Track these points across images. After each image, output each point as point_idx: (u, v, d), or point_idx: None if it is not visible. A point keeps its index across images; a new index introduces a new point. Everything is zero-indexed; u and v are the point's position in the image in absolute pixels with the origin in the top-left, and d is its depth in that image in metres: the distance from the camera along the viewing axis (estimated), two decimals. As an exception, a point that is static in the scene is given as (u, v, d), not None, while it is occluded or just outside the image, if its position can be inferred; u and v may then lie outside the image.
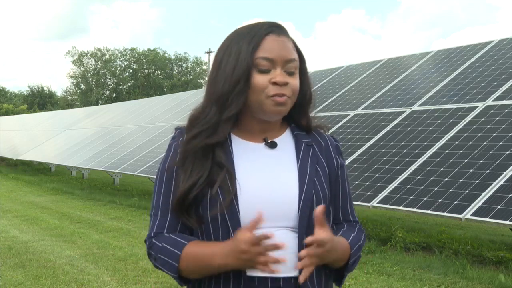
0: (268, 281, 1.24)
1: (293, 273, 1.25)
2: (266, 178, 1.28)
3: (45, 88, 58.99)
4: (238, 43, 1.28)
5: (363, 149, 6.53)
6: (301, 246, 1.25)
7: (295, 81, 1.28)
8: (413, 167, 5.59)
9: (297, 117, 1.37)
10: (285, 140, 1.36)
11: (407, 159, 5.81)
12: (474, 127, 5.79)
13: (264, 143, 1.34)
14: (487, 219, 4.33)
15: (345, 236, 1.32)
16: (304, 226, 1.25)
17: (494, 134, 5.46)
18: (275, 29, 1.28)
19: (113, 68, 58.79)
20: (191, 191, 1.24)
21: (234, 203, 1.23)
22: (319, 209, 1.19)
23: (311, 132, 1.39)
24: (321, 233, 1.18)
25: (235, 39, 1.30)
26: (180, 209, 1.26)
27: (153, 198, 1.33)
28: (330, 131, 7.26)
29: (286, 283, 1.24)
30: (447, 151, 5.60)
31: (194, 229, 1.30)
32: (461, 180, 4.98)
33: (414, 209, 4.90)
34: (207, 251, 1.22)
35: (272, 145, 1.33)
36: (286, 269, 1.24)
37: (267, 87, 1.25)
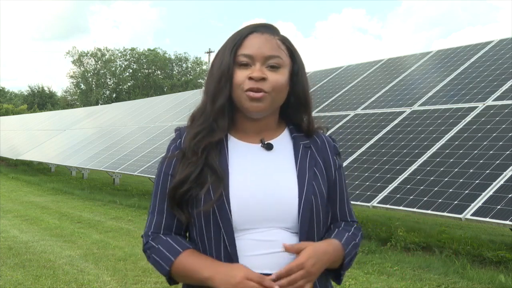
0: None
1: None
2: (261, 179, 1.28)
3: (45, 88, 58.97)
4: (225, 45, 1.34)
5: (363, 149, 6.53)
6: None
7: (277, 77, 1.28)
8: (413, 167, 5.59)
9: (296, 119, 1.38)
10: (282, 142, 1.36)
11: (407, 159, 5.81)
12: (474, 127, 5.79)
13: (260, 144, 1.34)
14: (487, 219, 4.33)
15: (339, 237, 1.34)
16: (306, 231, 1.26)
17: (494, 134, 5.46)
18: (260, 28, 1.32)
19: (113, 68, 58.77)
20: (182, 185, 1.27)
21: (225, 203, 1.24)
22: (290, 246, 1.22)
23: (312, 135, 1.39)
24: (293, 262, 1.21)
25: (226, 41, 1.35)
26: (172, 201, 1.30)
27: (152, 197, 1.38)
28: (330, 131, 7.26)
29: None
30: (447, 151, 5.60)
31: (190, 228, 1.34)
32: (461, 180, 4.98)
33: (414, 209, 4.90)
34: (198, 263, 1.24)
35: (269, 147, 1.33)
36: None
37: (244, 82, 1.27)
